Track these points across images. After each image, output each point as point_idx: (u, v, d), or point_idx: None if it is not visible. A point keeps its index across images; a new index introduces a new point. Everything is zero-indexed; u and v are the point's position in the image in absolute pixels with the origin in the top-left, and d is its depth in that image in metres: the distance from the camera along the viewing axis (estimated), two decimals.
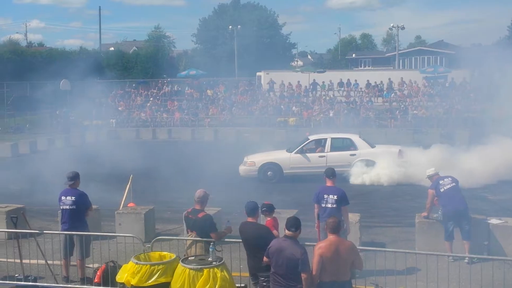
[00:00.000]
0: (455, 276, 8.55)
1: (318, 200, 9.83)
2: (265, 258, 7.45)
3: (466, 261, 10.01)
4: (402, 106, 37.63)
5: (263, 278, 7.89)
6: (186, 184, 15.60)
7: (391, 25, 60.41)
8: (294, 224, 7.26)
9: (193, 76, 48.64)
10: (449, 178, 10.91)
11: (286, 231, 7.24)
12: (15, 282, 9.39)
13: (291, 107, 39.47)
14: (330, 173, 10.02)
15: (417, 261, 8.77)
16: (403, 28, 59.52)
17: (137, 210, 12.86)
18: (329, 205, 9.66)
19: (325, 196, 9.74)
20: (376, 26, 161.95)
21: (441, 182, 10.83)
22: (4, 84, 41.90)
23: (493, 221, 11.01)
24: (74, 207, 9.80)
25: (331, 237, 7.13)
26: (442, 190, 10.74)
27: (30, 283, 9.36)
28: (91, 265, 9.94)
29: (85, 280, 9.63)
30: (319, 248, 7.09)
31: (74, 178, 10.03)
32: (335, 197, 9.67)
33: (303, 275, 6.98)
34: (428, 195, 11.01)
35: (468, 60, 33.83)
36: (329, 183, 9.95)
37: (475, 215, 11.19)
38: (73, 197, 9.83)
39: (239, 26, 60.93)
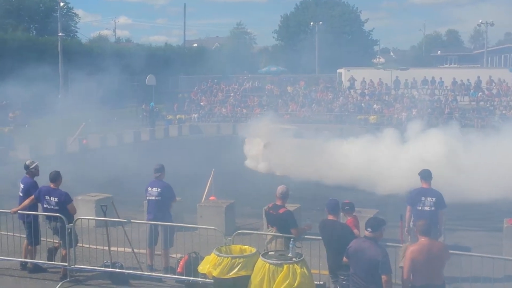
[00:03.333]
0: None
1: (413, 202, 9.63)
2: (344, 259, 7.40)
3: None
4: (489, 105, 36.08)
5: (342, 277, 7.85)
6: (262, 179, 15.80)
7: (480, 21, 58.19)
8: (374, 224, 7.11)
9: (274, 72, 48.91)
10: None
11: (366, 231, 7.12)
12: (103, 268, 9.86)
13: (372, 104, 38.83)
14: (427, 174, 9.76)
15: (505, 268, 8.41)
16: (492, 24, 57.07)
17: (218, 204, 13.16)
18: (427, 208, 9.47)
19: (423, 198, 9.55)
20: (463, 23, 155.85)
21: None
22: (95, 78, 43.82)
23: None
24: (159, 198, 10.14)
25: (422, 239, 7.00)
26: None
27: (117, 270, 9.80)
28: (174, 255, 10.25)
29: (168, 269, 9.96)
30: (411, 252, 6.97)
31: (160, 170, 10.38)
32: (433, 199, 9.47)
33: (384, 278, 6.84)
34: None
35: None
36: (425, 185, 9.72)
37: None
38: (159, 189, 10.18)
39: (320, 22, 60.47)
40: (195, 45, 78.44)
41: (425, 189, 9.66)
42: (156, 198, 10.17)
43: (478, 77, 40.82)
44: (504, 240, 10.88)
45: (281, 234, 8.83)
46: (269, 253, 8.25)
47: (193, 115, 40.64)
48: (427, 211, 9.39)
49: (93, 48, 49.89)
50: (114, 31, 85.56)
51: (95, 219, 11.16)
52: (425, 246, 6.92)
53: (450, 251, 8.77)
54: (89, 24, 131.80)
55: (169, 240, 10.07)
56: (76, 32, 63.82)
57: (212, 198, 14.08)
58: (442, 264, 7.01)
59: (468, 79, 40.97)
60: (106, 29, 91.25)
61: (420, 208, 9.49)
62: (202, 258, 8.64)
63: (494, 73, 42.32)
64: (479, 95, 38.94)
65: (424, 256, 6.86)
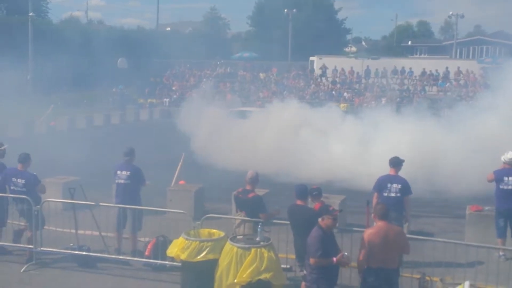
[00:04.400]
0: (504, 270, 8.41)
1: (380, 188, 9.80)
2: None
3: None
4: (457, 96, 36.70)
5: (307, 254, 7.96)
6: (234, 164, 15.83)
7: (450, 13, 58.68)
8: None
9: (246, 58, 48.86)
10: None
11: None
12: (69, 251, 9.80)
13: (343, 93, 39.13)
14: (395, 161, 9.94)
15: (466, 254, 8.64)
16: (462, 16, 57.67)
17: (187, 188, 13.17)
18: (393, 194, 9.65)
19: (389, 185, 9.72)
20: (434, 14, 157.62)
21: (505, 179, 10.28)
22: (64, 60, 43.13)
23: None
24: (128, 181, 10.11)
25: (379, 223, 7.12)
26: (502, 187, 10.29)
27: (84, 253, 9.75)
28: (142, 239, 10.26)
29: (136, 252, 9.96)
30: (368, 235, 7.09)
31: (130, 153, 10.32)
32: (399, 186, 9.65)
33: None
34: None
35: None
36: (392, 172, 9.90)
37: None
38: (128, 172, 10.13)
39: (294, 10, 60.44)
40: (168, 29, 77.64)
41: (392, 176, 9.84)
42: (125, 182, 10.12)
43: (447, 68, 41.48)
44: (466, 227, 11.15)
45: (249, 219, 8.92)
46: (237, 237, 8.33)
47: (165, 99, 40.37)
48: (393, 197, 9.58)
49: (64, 29, 48.96)
50: (86, 12, 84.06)
51: (62, 202, 11.05)
52: (381, 229, 7.04)
53: (415, 237, 9.06)
54: (60, 5, 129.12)
55: (137, 223, 10.06)
56: (47, 12, 62.47)
57: (181, 182, 14.08)
58: (397, 248, 7.14)
59: (436, 70, 41.59)
60: (78, 10, 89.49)
61: (386, 194, 9.68)
62: (171, 242, 8.68)
63: (463, 64, 43.03)
64: (447, 85, 39.58)
65: (380, 240, 6.97)
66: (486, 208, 11.12)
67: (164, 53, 49.62)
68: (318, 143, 16.46)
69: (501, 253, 10.07)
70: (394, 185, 9.68)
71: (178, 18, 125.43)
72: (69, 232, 10.00)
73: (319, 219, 7.21)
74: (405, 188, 9.69)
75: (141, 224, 10.17)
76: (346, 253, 7.13)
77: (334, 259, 7.00)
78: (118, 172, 10.22)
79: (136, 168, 10.28)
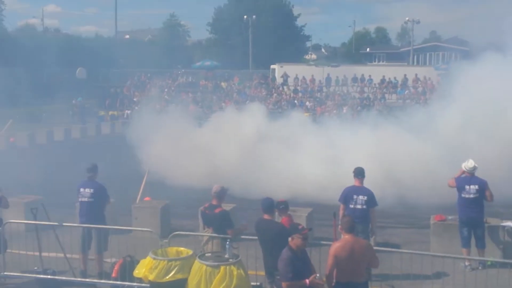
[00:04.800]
0: (471, 280, 8.56)
1: (345, 200, 9.82)
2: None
3: (480, 267, 10.01)
4: (415, 104, 37.40)
5: (278, 277, 7.95)
6: (200, 178, 15.72)
7: (406, 19, 59.93)
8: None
9: (208, 67, 48.68)
10: (476, 187, 10.38)
11: None
12: (34, 275, 9.54)
13: (305, 102, 39.41)
14: (359, 172, 9.97)
15: (433, 264, 8.77)
16: (418, 22, 59.04)
17: (153, 204, 12.98)
18: (359, 206, 9.66)
19: (354, 196, 9.73)
20: (391, 20, 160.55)
21: (466, 187, 10.41)
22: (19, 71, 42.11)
23: (509, 224, 10.98)
24: (92, 199, 9.90)
25: (346, 236, 7.09)
26: (464, 195, 10.43)
27: (49, 276, 9.50)
28: (109, 260, 10.05)
29: (103, 274, 9.75)
30: (334, 249, 7.05)
31: (93, 170, 10.11)
32: (365, 198, 9.67)
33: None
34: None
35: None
36: (357, 183, 9.92)
37: (490, 218, 11.13)
38: (92, 189, 9.92)
39: (254, 16, 60.69)
40: (127, 36, 76.90)
41: (358, 187, 9.88)
42: (89, 200, 9.92)
43: (405, 75, 42.25)
44: (431, 237, 11.30)
45: (217, 235, 8.84)
46: (206, 254, 8.22)
47: (126, 111, 39.80)
48: (359, 209, 9.61)
49: (19, 38, 47.83)
50: (42, 20, 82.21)
51: (24, 223, 10.73)
52: (348, 243, 7.02)
53: (381, 248, 9.14)
54: (16, 12, 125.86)
55: (103, 244, 9.86)
56: (2, 20, 60.88)
57: (147, 199, 13.88)
58: (364, 262, 7.13)
59: (395, 77, 42.33)
60: (34, 17, 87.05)
61: (352, 206, 9.70)
62: (138, 262, 8.52)
63: (420, 71, 43.90)
64: (405, 93, 40.31)
65: (347, 253, 6.95)
66: (450, 217, 11.29)
67: (124, 62, 49.04)
68: (282, 155, 16.40)
69: (466, 263, 10.19)
70: (360, 197, 9.70)
71: (137, 26, 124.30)
72: (33, 255, 9.74)
73: (289, 239, 7.06)
74: (371, 200, 9.72)
75: (106, 244, 9.98)
76: (318, 274, 6.96)
77: (307, 281, 6.85)
78: (81, 189, 10.00)
79: (100, 185, 10.09)
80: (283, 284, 6.90)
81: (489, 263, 9.68)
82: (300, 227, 7.23)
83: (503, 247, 10.76)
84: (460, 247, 10.45)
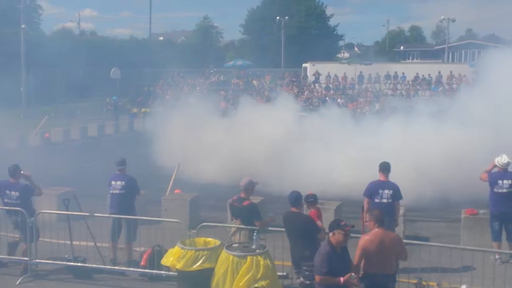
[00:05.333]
0: (500, 274, 8.42)
1: (371, 194, 9.80)
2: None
3: (511, 261, 9.85)
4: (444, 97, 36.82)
5: (305, 268, 7.96)
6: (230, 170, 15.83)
7: (442, 17, 58.96)
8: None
9: (240, 66, 48.91)
10: (510, 182, 10.25)
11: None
12: (65, 263, 9.76)
13: (336, 99, 39.20)
14: (385, 167, 9.94)
15: (462, 258, 8.64)
16: (453, 20, 57.93)
17: (182, 197, 13.16)
18: (385, 200, 9.65)
19: (380, 191, 9.72)
20: (426, 19, 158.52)
21: (499, 182, 10.29)
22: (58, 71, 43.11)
23: None
24: (123, 191, 10.11)
25: (376, 230, 7.07)
26: (497, 190, 10.29)
27: (79, 264, 9.71)
28: (138, 249, 10.21)
29: (131, 262, 9.92)
30: (364, 241, 7.06)
31: (123, 163, 10.34)
32: (391, 192, 9.65)
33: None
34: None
35: None
36: (382, 178, 9.89)
37: None
38: (123, 182, 10.13)
39: (286, 17, 60.68)
40: (161, 38, 77.78)
41: (383, 181, 9.85)
42: (120, 192, 10.12)
43: (439, 72, 41.63)
44: (462, 230, 11.16)
45: (245, 226, 8.90)
46: (233, 245, 8.32)
47: (158, 108, 40.27)
48: (385, 204, 9.57)
49: (56, 40, 48.94)
50: (78, 23, 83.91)
51: (56, 213, 11.00)
52: (377, 236, 7.00)
53: (410, 241, 9.06)
54: (53, 17, 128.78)
55: (132, 233, 10.03)
56: (39, 24, 62.45)
57: (177, 191, 14.05)
58: (393, 255, 7.10)
59: (429, 74, 41.75)
60: (70, 21, 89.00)
61: (378, 200, 9.69)
62: (166, 251, 8.65)
63: (455, 68, 43.18)
64: (440, 89, 39.71)
65: (376, 246, 6.93)
66: (481, 211, 11.14)
67: (157, 62, 49.73)
68: (310, 151, 16.35)
69: (497, 257, 10.08)
70: (386, 191, 9.69)
71: (171, 28, 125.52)
72: (64, 244, 9.97)
73: (330, 234, 6.88)
74: (396, 194, 9.70)
75: (135, 234, 10.14)
76: (354, 274, 6.70)
77: (341, 279, 6.65)
78: (113, 182, 10.21)
79: (131, 178, 10.30)
80: (316, 277, 6.78)
81: None
82: (342, 223, 6.96)
83: None
84: (491, 241, 10.29)
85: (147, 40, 64.18)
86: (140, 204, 10.94)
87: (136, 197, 10.38)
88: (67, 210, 10.08)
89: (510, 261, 9.86)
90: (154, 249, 9.64)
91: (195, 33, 76.39)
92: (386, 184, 9.78)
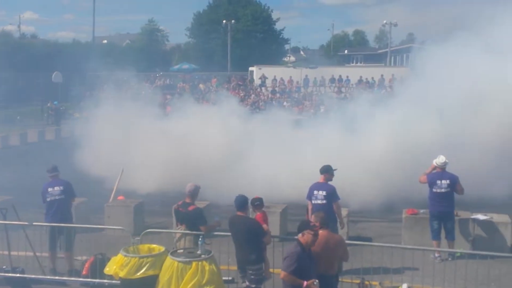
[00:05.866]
0: (440, 271, 8.65)
1: (309, 196, 9.98)
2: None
3: (450, 259, 10.16)
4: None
5: (251, 271, 7.97)
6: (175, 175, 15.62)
7: (384, 21, 60.45)
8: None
9: (186, 70, 48.68)
10: (448, 181, 10.57)
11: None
12: (2, 274, 9.41)
13: (282, 102, 39.52)
14: (322, 169, 10.08)
15: (403, 257, 8.84)
16: (396, 25, 59.51)
17: (126, 203, 12.92)
18: (319, 201, 9.79)
19: (315, 192, 9.89)
20: (369, 23, 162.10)
21: (438, 182, 10.60)
22: None
23: (479, 216, 11.14)
24: (63, 196, 9.89)
25: (321, 231, 7.13)
26: (435, 190, 10.60)
27: (18, 275, 9.38)
28: (79, 258, 9.96)
29: (73, 272, 9.66)
30: None
31: (55, 169, 10.15)
32: (324, 193, 9.78)
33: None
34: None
35: None
36: (321, 179, 10.05)
37: (461, 211, 11.28)
38: (61, 187, 9.92)
39: (233, 21, 60.79)
40: (105, 41, 76.35)
41: (320, 183, 10.03)
42: (60, 197, 9.90)
43: (382, 75, 42.64)
44: (403, 230, 11.42)
45: (190, 232, 8.83)
46: (178, 251, 8.22)
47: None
48: (319, 205, 9.73)
49: None
50: (19, 26, 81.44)
51: None
52: (322, 237, 7.08)
53: (353, 242, 9.22)
54: None
55: (72, 241, 9.78)
56: None
57: (120, 197, 13.80)
58: (337, 256, 7.25)
59: (372, 77, 42.71)
60: (10, 24, 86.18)
61: (314, 201, 9.88)
62: (109, 259, 8.48)
63: (397, 71, 44.25)
64: (382, 92, 40.62)
65: (321, 248, 7.03)
66: (421, 211, 11.43)
67: (101, 66, 48.72)
68: (257, 153, 16.31)
69: (436, 255, 10.38)
70: (320, 192, 9.86)
71: (115, 31, 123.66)
72: (2, 254, 9.62)
73: (299, 235, 6.84)
74: (331, 195, 9.82)
75: (73, 242, 9.88)
76: (317, 281, 6.65)
77: (305, 283, 6.61)
78: (50, 189, 9.94)
79: (67, 182, 10.14)
80: (282, 273, 6.72)
81: (458, 254, 9.79)
82: (311, 224, 7.00)
83: (473, 239, 10.92)
84: (431, 240, 10.59)
85: (90, 43, 62.91)
86: (82, 212, 10.70)
87: (72, 203, 10.15)
88: (5, 220, 9.73)
89: (449, 259, 10.13)
90: (97, 257, 9.43)
91: (140, 36, 75.51)
92: (321, 185, 9.94)
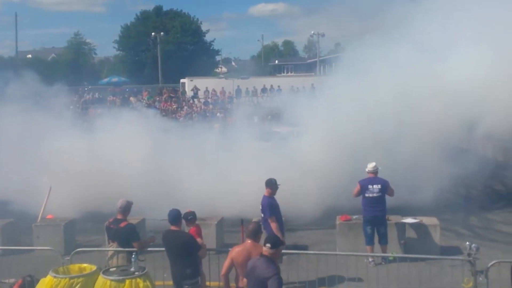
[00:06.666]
0: (373, 275, 8.84)
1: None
2: (243, 280, 6.87)
3: (383, 263, 10.40)
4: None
5: (187, 286, 7.87)
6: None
7: (312, 32, 61.61)
8: (273, 241, 6.63)
9: (115, 83, 47.81)
10: (379, 186, 10.88)
11: (264, 247, 6.59)
12: None
13: (216, 113, 39.52)
14: (266, 182, 10.10)
15: (337, 263, 8.96)
16: (323, 35, 60.83)
17: (56, 222, 12.48)
18: (262, 215, 9.95)
19: (260, 206, 10.02)
20: (298, 33, 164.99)
21: (370, 187, 10.86)
22: None
23: (409, 220, 11.48)
24: None
25: (247, 242, 7.24)
26: (368, 195, 10.87)
27: None
28: (7, 280, 9.52)
29: None
30: (233, 252, 7.29)
31: None
32: (261, 207, 9.92)
33: None
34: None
35: None
36: (266, 193, 10.06)
37: (392, 215, 11.58)
38: None
39: (162, 33, 60.34)
40: (29, 56, 73.93)
41: (263, 197, 10.08)
42: None
43: (312, 84, 43.45)
44: (337, 237, 11.60)
45: (122, 249, 8.62)
46: (110, 269, 8.00)
47: None
48: (262, 218, 9.89)
49: None
50: None
51: None
52: (246, 248, 7.17)
53: (289, 251, 9.27)
54: None
55: None
56: None
57: (49, 216, 13.29)
58: None
59: (303, 86, 43.46)
60: None
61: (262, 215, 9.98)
62: (38, 281, 8.14)
63: (327, 80, 45.20)
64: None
65: (243, 258, 7.09)
66: (355, 217, 11.66)
67: (26, 81, 47.10)
68: (185, 166, 15.91)
69: (370, 259, 10.60)
70: (260, 206, 9.98)
71: (40, 45, 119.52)
72: None
73: (273, 250, 6.56)
74: (265, 209, 9.89)
75: None
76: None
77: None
78: None
79: None
80: None
81: (391, 258, 10.06)
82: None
83: (404, 242, 11.22)
84: (365, 245, 10.81)
85: (14, 58, 60.77)
86: (10, 232, 10.21)
87: None
88: None
89: (383, 263, 10.38)
90: (25, 279, 9.01)
91: (66, 50, 73.59)
92: (262, 199, 10.01)
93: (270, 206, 9.85)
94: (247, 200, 12.04)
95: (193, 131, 18.54)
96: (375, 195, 10.83)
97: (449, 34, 15.66)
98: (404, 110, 14.95)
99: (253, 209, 10.86)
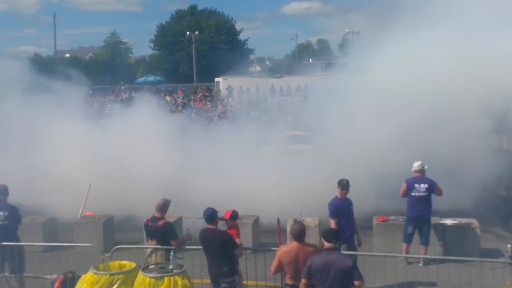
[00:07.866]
0: (411, 277, 8.74)
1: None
2: (303, 280, 6.93)
3: (421, 264, 10.27)
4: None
5: (224, 285, 7.93)
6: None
7: (346, 30, 61.14)
8: (334, 235, 6.94)
9: (151, 82, 48.34)
10: (426, 185, 10.78)
11: (328, 243, 6.82)
12: None
13: (250, 112, 39.62)
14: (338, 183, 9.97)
15: (375, 263, 8.91)
16: (358, 33, 60.26)
17: (95, 219, 12.71)
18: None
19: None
20: (332, 32, 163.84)
21: (416, 186, 10.78)
22: None
23: (448, 221, 11.31)
24: (6, 222, 9.62)
25: (293, 243, 7.28)
26: (414, 194, 10.77)
27: None
28: (49, 276, 9.74)
29: None
30: (280, 252, 7.31)
31: (4, 192, 9.82)
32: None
33: (357, 283, 6.66)
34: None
35: None
36: (338, 194, 9.96)
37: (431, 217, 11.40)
38: (6, 212, 9.65)
39: (196, 32, 60.77)
40: (68, 55, 75.39)
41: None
42: (3, 223, 9.61)
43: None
44: (374, 237, 11.51)
45: (161, 247, 8.72)
46: (149, 266, 8.11)
47: None
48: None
49: None
50: None
51: None
52: (293, 249, 7.21)
53: None
54: None
55: (21, 263, 9.57)
56: None
57: (89, 213, 13.56)
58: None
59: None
60: None
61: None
62: (79, 278, 8.30)
63: None
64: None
65: (290, 259, 7.15)
66: (392, 217, 11.56)
67: (64, 80, 48.02)
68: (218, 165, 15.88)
69: (403, 258, 10.49)
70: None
71: (78, 44, 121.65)
72: None
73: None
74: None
75: (24, 264, 9.67)
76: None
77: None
78: None
79: (13, 207, 9.84)
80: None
81: (429, 259, 9.94)
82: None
83: (443, 244, 11.07)
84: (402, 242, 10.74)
85: (52, 57, 62.04)
86: (51, 229, 10.44)
87: (18, 227, 9.86)
88: None
89: (421, 264, 10.26)
90: (66, 276, 9.21)
91: (103, 49, 74.78)
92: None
93: (332, 207, 9.81)
94: (284, 199, 12.05)
95: (230, 130, 18.50)
96: (421, 194, 10.73)
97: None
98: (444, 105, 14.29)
99: (289, 208, 10.87)
